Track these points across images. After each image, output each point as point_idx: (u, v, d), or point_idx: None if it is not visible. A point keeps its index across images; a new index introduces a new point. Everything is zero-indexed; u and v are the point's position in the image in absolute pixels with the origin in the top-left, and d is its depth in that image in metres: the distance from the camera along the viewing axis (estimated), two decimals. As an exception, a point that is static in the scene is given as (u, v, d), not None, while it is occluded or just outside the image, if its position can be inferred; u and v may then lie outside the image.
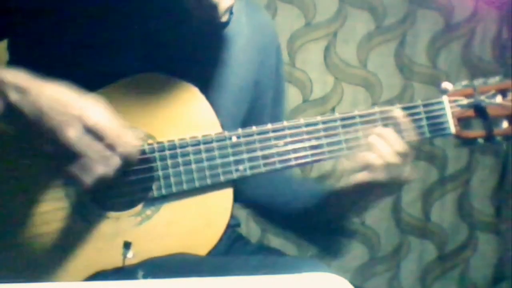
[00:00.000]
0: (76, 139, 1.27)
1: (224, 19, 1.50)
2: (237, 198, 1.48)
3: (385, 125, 1.45)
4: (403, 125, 1.45)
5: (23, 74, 1.32)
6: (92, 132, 1.28)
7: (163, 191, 1.41)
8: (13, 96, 1.30)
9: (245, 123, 1.49)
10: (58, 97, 1.30)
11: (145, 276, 1.33)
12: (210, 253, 1.42)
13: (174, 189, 1.41)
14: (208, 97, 1.45)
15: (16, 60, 1.50)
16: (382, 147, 1.43)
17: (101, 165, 1.28)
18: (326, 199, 1.53)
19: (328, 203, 1.53)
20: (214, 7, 1.43)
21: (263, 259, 1.44)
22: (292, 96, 2.83)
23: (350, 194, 1.47)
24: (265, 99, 1.63)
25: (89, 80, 1.40)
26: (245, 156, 1.42)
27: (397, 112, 1.46)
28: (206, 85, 1.46)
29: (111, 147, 1.29)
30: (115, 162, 1.29)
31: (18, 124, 1.32)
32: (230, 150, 1.42)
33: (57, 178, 1.37)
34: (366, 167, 1.43)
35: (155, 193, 1.41)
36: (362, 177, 1.44)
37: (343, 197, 1.49)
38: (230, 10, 1.49)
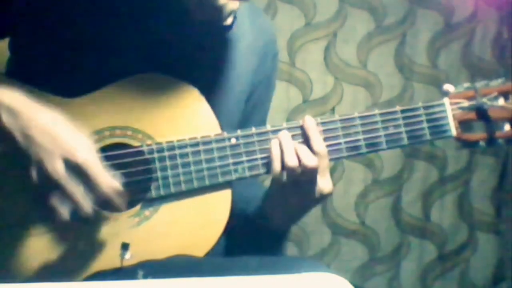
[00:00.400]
0: (59, 174, 1.28)
1: (227, 22, 1.50)
2: None
3: (386, 127, 1.45)
4: (312, 134, 1.43)
5: (19, 96, 1.32)
6: (76, 170, 1.29)
7: (162, 192, 1.41)
8: (5, 118, 1.30)
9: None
10: (48, 129, 1.30)
11: (145, 276, 1.33)
12: (208, 254, 1.42)
13: (172, 189, 1.41)
14: (208, 99, 1.44)
15: (17, 59, 1.50)
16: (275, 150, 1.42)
17: (78, 203, 1.29)
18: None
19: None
20: (218, 10, 1.43)
21: (263, 259, 1.44)
22: (292, 96, 2.83)
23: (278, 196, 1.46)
24: (254, 103, 1.63)
25: (90, 80, 1.40)
26: (244, 157, 1.42)
27: (308, 121, 1.44)
28: (206, 87, 1.46)
29: (92, 187, 1.30)
30: (93, 202, 1.31)
31: (7, 146, 1.32)
32: (229, 151, 1.42)
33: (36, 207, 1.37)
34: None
35: (153, 193, 1.41)
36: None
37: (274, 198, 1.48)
38: (234, 14, 1.49)
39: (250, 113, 1.61)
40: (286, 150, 1.41)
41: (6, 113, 1.30)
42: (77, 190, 1.29)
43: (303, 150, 1.41)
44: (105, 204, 1.33)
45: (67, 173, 1.29)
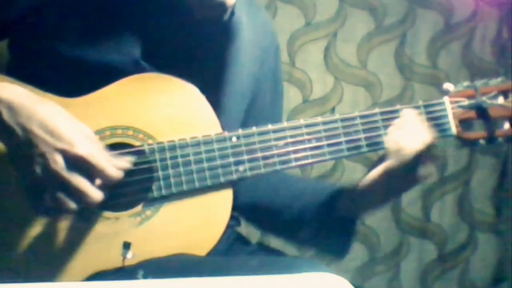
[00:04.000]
0: (59, 167, 1.29)
1: (225, 18, 1.50)
2: (234, 204, 1.48)
3: (387, 126, 1.46)
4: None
5: (19, 91, 1.33)
6: (77, 162, 1.30)
7: (163, 192, 1.41)
8: (5, 115, 1.31)
9: (244, 124, 1.49)
10: (48, 122, 1.31)
11: (145, 276, 1.33)
12: (210, 253, 1.42)
13: (174, 189, 1.41)
14: (210, 96, 1.44)
15: (17, 60, 1.50)
16: (403, 135, 1.43)
17: (86, 192, 1.30)
18: (333, 197, 1.53)
19: (337, 201, 1.53)
20: (218, 7, 1.43)
21: (263, 259, 1.44)
22: (292, 96, 2.83)
23: (364, 192, 1.47)
24: (263, 99, 1.63)
25: (89, 80, 1.40)
26: (245, 156, 1.42)
27: (407, 112, 1.45)
28: (207, 84, 1.46)
29: (97, 176, 1.31)
30: (96, 195, 1.31)
31: (10, 141, 1.33)
32: (230, 151, 1.42)
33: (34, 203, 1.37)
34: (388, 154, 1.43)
35: (155, 193, 1.41)
36: (382, 167, 1.44)
37: (356, 195, 1.49)
38: (231, 9, 1.49)
39: (269, 108, 1.62)
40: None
41: (6, 109, 1.31)
42: (81, 181, 1.30)
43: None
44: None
45: (70, 165, 1.29)
